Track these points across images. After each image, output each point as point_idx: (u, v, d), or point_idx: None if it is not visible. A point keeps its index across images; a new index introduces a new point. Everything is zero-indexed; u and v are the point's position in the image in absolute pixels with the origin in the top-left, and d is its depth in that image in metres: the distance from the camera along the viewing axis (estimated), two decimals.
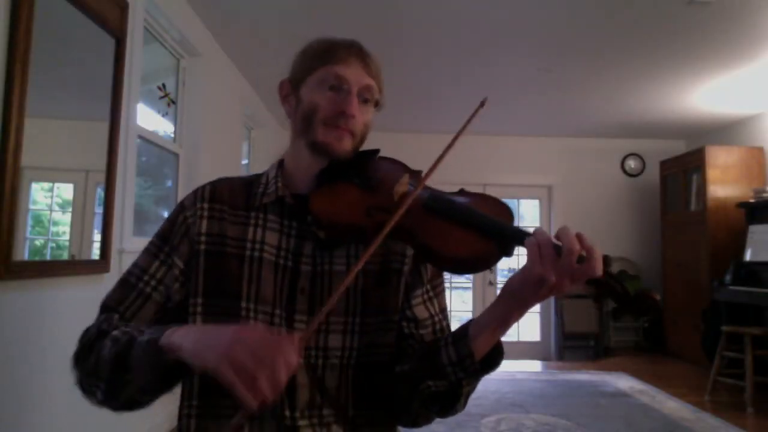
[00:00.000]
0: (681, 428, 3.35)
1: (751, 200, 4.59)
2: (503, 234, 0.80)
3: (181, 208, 0.95)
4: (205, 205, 0.93)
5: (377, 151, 0.96)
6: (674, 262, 5.47)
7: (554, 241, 0.73)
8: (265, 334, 0.70)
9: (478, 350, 0.81)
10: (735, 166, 4.96)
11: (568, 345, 5.68)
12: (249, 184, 0.97)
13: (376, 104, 0.94)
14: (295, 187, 0.94)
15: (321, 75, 0.90)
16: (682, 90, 4.46)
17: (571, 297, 5.54)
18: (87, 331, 0.87)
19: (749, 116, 5.22)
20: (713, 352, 4.11)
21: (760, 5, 2.96)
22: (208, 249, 0.90)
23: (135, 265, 0.93)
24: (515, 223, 0.83)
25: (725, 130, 5.58)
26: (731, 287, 4.26)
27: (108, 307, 0.91)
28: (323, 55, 0.91)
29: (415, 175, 0.94)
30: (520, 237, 0.77)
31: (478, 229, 0.82)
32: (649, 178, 6.10)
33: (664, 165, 5.72)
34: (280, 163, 0.98)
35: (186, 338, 0.74)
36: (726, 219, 4.82)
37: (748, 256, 4.39)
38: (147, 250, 0.94)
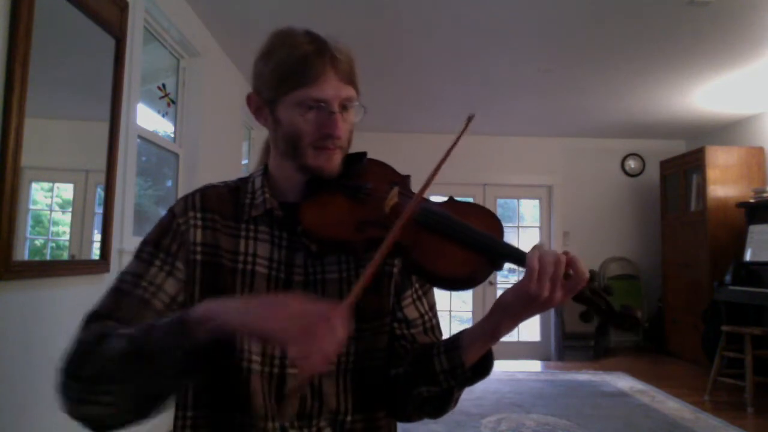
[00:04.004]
0: (681, 428, 3.35)
1: (751, 200, 4.59)
2: (500, 252, 0.80)
3: (172, 215, 0.90)
4: (198, 214, 0.90)
5: (364, 154, 0.95)
6: (674, 262, 5.46)
7: (550, 257, 0.74)
8: (311, 302, 0.67)
9: (469, 359, 0.83)
10: (735, 166, 4.96)
11: (568, 345, 5.67)
12: (236, 190, 0.94)
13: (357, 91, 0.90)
14: (282, 196, 0.93)
15: (297, 98, 0.85)
16: (682, 90, 4.46)
17: None
18: (78, 343, 0.75)
19: (749, 116, 5.22)
20: (713, 352, 4.11)
21: (760, 5, 2.96)
22: (204, 260, 0.87)
23: (126, 273, 0.86)
24: (504, 234, 0.85)
25: (725, 130, 5.58)
26: (731, 287, 4.26)
27: (99, 315, 0.81)
28: (296, 76, 0.85)
29: (404, 181, 0.93)
30: (518, 256, 0.78)
31: (472, 247, 0.81)
32: (649, 178, 6.10)
33: (664, 165, 5.72)
34: (265, 170, 0.96)
35: (219, 307, 0.68)
36: (726, 219, 4.82)
37: (748, 256, 4.39)
38: (138, 258, 0.87)
